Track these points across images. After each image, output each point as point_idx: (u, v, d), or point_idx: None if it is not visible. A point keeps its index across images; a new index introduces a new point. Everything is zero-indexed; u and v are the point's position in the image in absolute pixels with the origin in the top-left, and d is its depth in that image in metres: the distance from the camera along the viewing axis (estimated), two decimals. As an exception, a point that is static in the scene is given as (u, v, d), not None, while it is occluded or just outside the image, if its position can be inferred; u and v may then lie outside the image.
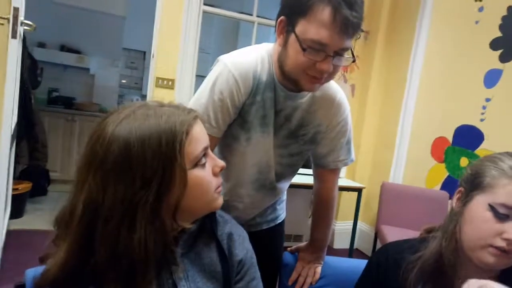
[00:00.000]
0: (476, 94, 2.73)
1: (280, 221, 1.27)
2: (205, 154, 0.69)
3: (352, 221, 2.95)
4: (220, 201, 0.73)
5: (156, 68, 2.82)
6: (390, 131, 3.15)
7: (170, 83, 2.85)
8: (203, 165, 0.68)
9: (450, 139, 2.87)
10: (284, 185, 1.20)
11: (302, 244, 1.20)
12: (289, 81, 0.93)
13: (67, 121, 4.05)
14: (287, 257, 1.18)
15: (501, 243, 0.70)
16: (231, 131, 1.03)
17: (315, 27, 0.81)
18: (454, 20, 2.84)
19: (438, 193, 2.81)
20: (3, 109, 1.85)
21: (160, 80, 2.83)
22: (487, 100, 2.71)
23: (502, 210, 0.71)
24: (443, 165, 2.90)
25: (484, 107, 2.72)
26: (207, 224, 0.78)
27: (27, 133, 2.97)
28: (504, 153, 0.77)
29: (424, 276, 0.79)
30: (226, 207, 1.06)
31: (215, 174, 0.71)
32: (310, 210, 1.21)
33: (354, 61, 0.88)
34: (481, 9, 2.69)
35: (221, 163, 0.73)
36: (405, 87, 3.03)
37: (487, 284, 0.64)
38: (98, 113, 4.18)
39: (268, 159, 1.06)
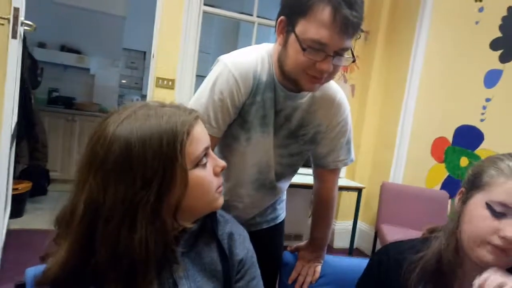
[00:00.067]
0: (476, 94, 2.74)
1: (280, 220, 1.27)
2: (206, 154, 0.69)
3: (352, 221, 2.95)
4: (221, 201, 0.73)
5: (156, 68, 2.82)
6: (390, 131, 3.15)
7: (170, 83, 2.85)
8: (204, 165, 0.68)
9: (450, 139, 2.87)
10: (284, 185, 1.20)
11: (302, 243, 1.20)
12: (289, 81, 0.93)
13: (67, 121, 4.05)
14: (287, 256, 1.18)
15: (498, 241, 0.70)
16: (231, 131, 1.03)
17: (315, 27, 0.82)
18: (454, 20, 2.85)
19: (438, 193, 2.81)
20: (3, 109, 1.85)
21: (160, 80, 2.83)
22: (487, 100, 2.71)
23: (498, 208, 0.72)
24: (443, 165, 2.90)
25: (484, 107, 2.73)
26: (208, 224, 0.78)
27: (27, 133, 2.97)
28: (506, 154, 0.78)
29: (426, 276, 0.79)
30: (226, 207, 1.06)
31: (216, 174, 0.71)
32: (310, 209, 1.22)
33: (354, 61, 0.89)
34: (481, 10, 2.70)
35: (222, 163, 0.73)
36: (405, 87, 3.04)
37: (507, 282, 0.65)
38: (98, 113, 4.18)
39: (268, 159, 1.07)
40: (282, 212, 1.28)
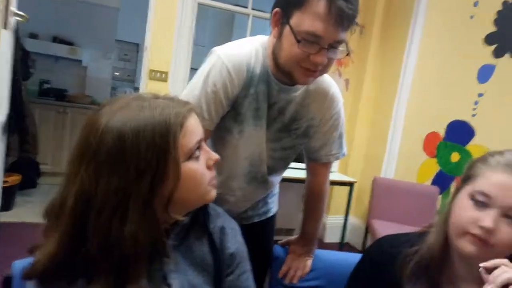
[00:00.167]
0: (469, 90, 2.75)
1: (271, 214, 1.27)
2: (199, 147, 0.69)
3: (344, 215, 2.97)
4: (213, 193, 0.73)
5: (150, 60, 2.79)
6: (383, 126, 3.16)
7: (163, 75, 2.83)
8: (197, 158, 0.68)
9: (442, 134, 2.89)
10: (276, 179, 1.20)
11: (293, 237, 1.20)
12: (283, 73, 0.93)
13: (58, 113, 4.01)
14: (277, 250, 1.19)
15: (477, 231, 0.71)
16: (224, 124, 1.02)
17: (310, 19, 0.81)
18: (449, 14, 2.85)
19: (429, 188, 2.83)
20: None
21: (153, 73, 2.81)
22: (480, 95, 2.72)
23: (480, 198, 0.73)
24: (435, 160, 2.92)
25: (476, 103, 2.74)
26: (200, 217, 0.78)
27: (17, 125, 2.93)
28: (499, 151, 0.78)
29: (419, 270, 0.80)
30: (218, 200, 1.05)
31: (208, 167, 0.71)
32: (302, 204, 1.22)
33: (348, 54, 0.88)
34: (476, 4, 2.70)
35: (215, 156, 0.72)
36: (398, 82, 3.04)
37: None
38: (90, 106, 4.14)
39: (260, 152, 1.06)
40: (273, 206, 1.28)
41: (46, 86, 4.32)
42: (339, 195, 3.25)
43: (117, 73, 5.15)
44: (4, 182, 2.78)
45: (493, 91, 2.67)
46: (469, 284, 0.78)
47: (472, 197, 0.74)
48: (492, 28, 2.64)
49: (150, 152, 0.60)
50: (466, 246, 0.73)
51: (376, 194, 2.83)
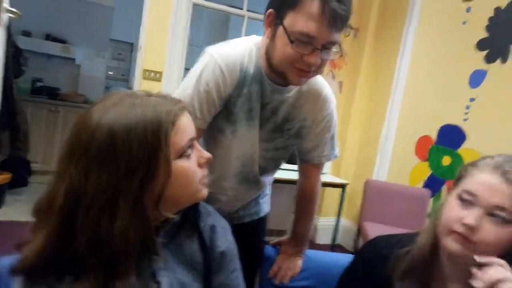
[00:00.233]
0: (461, 94, 2.77)
1: (263, 215, 1.27)
2: (191, 145, 0.69)
3: (335, 217, 2.98)
4: (204, 192, 0.73)
5: (144, 60, 2.78)
6: (375, 129, 3.18)
7: (157, 75, 2.82)
8: (189, 156, 0.68)
9: (434, 138, 2.91)
10: (268, 179, 1.20)
11: (284, 237, 1.20)
12: (277, 74, 0.93)
13: (50, 112, 3.98)
14: (268, 250, 1.19)
15: (460, 228, 0.72)
16: (216, 124, 1.02)
17: (303, 19, 0.82)
18: (442, 20, 2.88)
19: (421, 191, 2.85)
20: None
21: (147, 72, 2.80)
22: (472, 100, 2.75)
23: (466, 197, 0.74)
24: (427, 163, 2.94)
25: (468, 107, 2.77)
26: (190, 216, 0.78)
27: (8, 122, 2.91)
28: (491, 155, 0.79)
29: (411, 271, 0.80)
30: (209, 199, 1.05)
31: (200, 166, 0.71)
32: (294, 205, 1.22)
33: (341, 55, 0.89)
34: (468, 10, 2.73)
35: (207, 154, 0.72)
36: (392, 85, 3.06)
37: (510, 278, 0.65)
38: (83, 104, 4.11)
39: (252, 153, 1.06)
40: (265, 207, 1.28)
41: (38, 84, 4.29)
42: (331, 197, 3.26)
43: (111, 73, 5.13)
44: (-6, 180, 2.75)
45: (485, 96, 2.70)
46: (458, 285, 0.78)
47: (459, 197, 0.75)
48: (484, 34, 2.67)
49: (141, 149, 0.60)
50: (451, 244, 0.74)
51: (368, 196, 2.84)
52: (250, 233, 1.20)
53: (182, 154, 0.66)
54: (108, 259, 0.60)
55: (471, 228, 0.71)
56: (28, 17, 3.05)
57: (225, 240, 0.80)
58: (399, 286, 0.81)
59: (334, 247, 3.06)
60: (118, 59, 5.20)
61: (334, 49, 0.87)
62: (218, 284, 0.77)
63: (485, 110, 2.69)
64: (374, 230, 2.59)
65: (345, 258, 1.10)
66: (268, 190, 1.29)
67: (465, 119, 2.78)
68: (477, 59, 2.70)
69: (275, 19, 0.88)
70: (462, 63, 2.76)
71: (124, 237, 0.59)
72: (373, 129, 3.22)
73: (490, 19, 2.63)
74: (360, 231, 2.85)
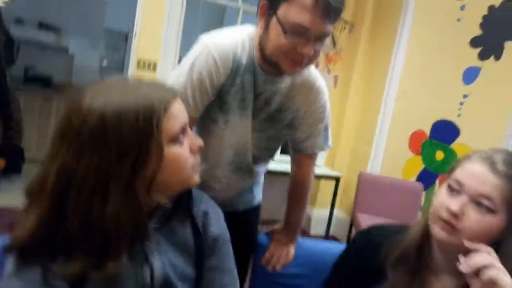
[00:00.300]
0: (454, 90, 2.80)
1: (256, 203, 1.28)
2: (183, 132, 0.69)
3: (329, 209, 2.99)
4: (196, 178, 0.73)
5: (138, 50, 2.77)
6: (370, 123, 3.19)
7: (152, 66, 2.80)
8: (181, 142, 0.68)
9: (428, 132, 2.93)
10: (261, 169, 1.20)
11: (277, 226, 1.21)
12: (270, 64, 0.94)
13: (44, 101, 3.95)
14: (261, 238, 1.20)
15: (445, 215, 0.74)
16: (209, 113, 1.03)
17: (297, 10, 0.82)
18: (436, 16, 2.89)
19: (414, 185, 2.88)
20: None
21: (141, 63, 2.78)
22: (465, 96, 2.77)
23: (454, 185, 0.76)
24: (420, 157, 2.97)
25: (461, 103, 2.79)
26: (183, 201, 0.78)
27: (1, 111, 2.88)
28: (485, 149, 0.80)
29: (402, 260, 0.82)
30: (203, 187, 1.06)
31: (192, 152, 0.71)
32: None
33: (334, 45, 0.89)
34: (463, 8, 2.74)
35: (199, 141, 0.73)
36: (386, 80, 3.07)
37: (494, 264, 0.67)
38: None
39: (245, 142, 1.07)
40: (258, 195, 1.29)
41: (31, 73, 4.24)
42: (325, 188, 3.28)
43: (105, 62, 5.09)
44: (-13, 167, 2.74)
45: (478, 93, 2.73)
46: (448, 274, 0.80)
47: (448, 186, 0.77)
48: (478, 31, 2.69)
49: (133, 134, 0.60)
50: (437, 231, 0.75)
51: (362, 189, 2.87)
52: (243, 221, 1.21)
53: (174, 140, 0.66)
54: (100, 242, 0.61)
55: (455, 215, 0.72)
56: (20, 5, 3.02)
57: (217, 225, 0.81)
58: (391, 275, 0.82)
59: (327, 238, 3.08)
60: (113, 49, 5.16)
61: (327, 40, 0.88)
62: (210, 268, 0.78)
63: (478, 106, 2.72)
64: (367, 222, 2.61)
65: (337, 247, 1.11)
66: (261, 179, 1.29)
67: (459, 115, 2.81)
68: (471, 56, 2.72)
69: (269, 10, 0.88)
70: (456, 60, 2.78)
71: (115, 221, 0.60)
72: (367, 123, 3.24)
73: (484, 17, 2.65)
74: (353, 223, 2.88)
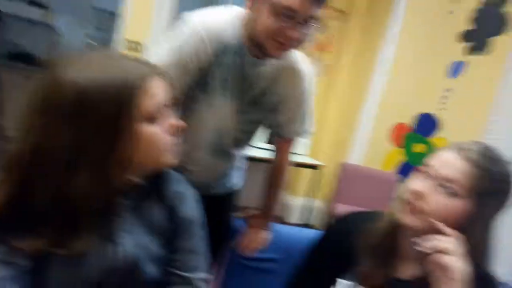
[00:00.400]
0: (439, 84, 2.83)
1: (235, 188, 1.29)
2: (161, 112, 0.68)
3: (309, 198, 3.02)
4: (171, 160, 0.73)
5: (126, 30, 2.72)
6: (354, 113, 3.21)
7: (139, 46, 2.76)
8: (158, 122, 0.68)
9: (410, 125, 2.97)
10: (240, 152, 1.21)
11: (253, 210, 1.23)
12: (256, 46, 0.94)
13: (27, 79, 3.85)
14: (237, 223, 1.21)
15: (409, 196, 0.76)
16: (192, 93, 1.02)
17: None
18: (428, 8, 2.89)
19: (393, 176, 2.92)
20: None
21: (129, 43, 2.73)
22: (448, 90, 2.81)
23: (423, 169, 0.79)
24: (401, 150, 3.01)
25: (445, 97, 2.83)
26: (158, 182, 0.78)
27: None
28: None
29: (375, 247, 0.83)
30: (181, 169, 1.07)
31: (170, 133, 0.71)
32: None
33: (322, 30, 0.90)
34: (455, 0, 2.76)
35: (179, 122, 0.72)
36: (374, 71, 3.08)
37: (451, 249, 0.68)
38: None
39: (227, 125, 1.07)
40: (238, 180, 1.30)
41: (15, 50, 4.13)
42: (305, 177, 3.31)
43: (92, 42, 4.98)
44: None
45: (462, 87, 2.76)
46: (416, 263, 0.81)
47: (417, 170, 0.80)
48: (467, 26, 2.71)
49: (107, 110, 0.60)
50: (401, 215, 0.78)
51: (342, 179, 2.91)
52: (221, 205, 1.22)
53: (150, 119, 0.66)
54: (68, 216, 0.61)
55: (417, 196, 0.74)
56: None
57: (190, 207, 0.81)
58: (363, 262, 0.83)
59: (305, 226, 3.13)
60: (100, 29, 5.04)
61: (315, 24, 0.89)
62: (181, 249, 0.78)
63: (461, 101, 2.76)
64: (345, 211, 2.65)
65: (313, 233, 1.13)
66: (242, 164, 1.30)
67: (441, 109, 2.85)
68: (459, 49, 2.74)
69: None
70: (442, 54, 2.80)
71: (84, 197, 0.60)
72: (351, 113, 3.25)
73: (476, 10, 2.67)
74: (331, 213, 2.92)
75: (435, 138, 2.86)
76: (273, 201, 1.21)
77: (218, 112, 1.04)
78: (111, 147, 0.61)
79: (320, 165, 2.99)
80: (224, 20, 0.97)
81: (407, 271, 0.82)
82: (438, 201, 0.73)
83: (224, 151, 1.13)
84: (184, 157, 1.09)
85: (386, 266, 0.82)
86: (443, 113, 2.83)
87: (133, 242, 0.72)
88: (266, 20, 0.86)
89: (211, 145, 1.10)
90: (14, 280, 0.61)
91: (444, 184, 0.74)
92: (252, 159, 2.36)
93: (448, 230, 0.71)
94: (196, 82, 1.00)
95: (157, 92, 0.67)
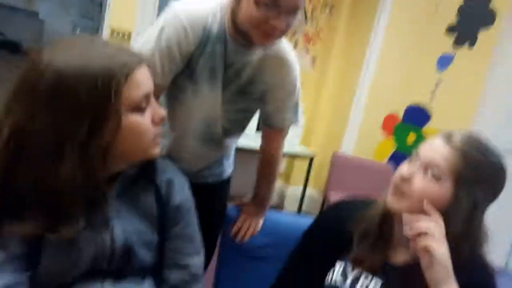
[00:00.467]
0: (428, 76, 2.86)
1: (226, 176, 1.27)
2: (146, 101, 0.67)
3: (303, 186, 3.04)
4: (156, 150, 0.72)
5: (112, 19, 2.67)
6: (345, 104, 3.21)
7: (126, 35, 2.71)
8: (142, 112, 0.66)
9: (401, 116, 2.99)
10: (231, 142, 1.20)
11: (246, 198, 1.22)
12: (241, 34, 0.92)
13: (12, 68, 3.76)
14: (230, 210, 1.21)
15: (397, 180, 0.78)
16: (178, 82, 1.01)
17: None
18: (415, 2, 2.89)
19: (385, 166, 2.95)
20: None
21: (115, 33, 2.69)
22: (438, 82, 2.84)
23: (412, 156, 0.81)
24: (392, 140, 3.04)
25: (434, 89, 2.86)
26: (148, 170, 0.77)
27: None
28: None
29: (366, 234, 0.84)
30: (172, 157, 1.05)
31: (154, 123, 0.69)
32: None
33: (306, 20, 0.89)
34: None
35: (162, 112, 0.71)
36: (363, 62, 3.08)
37: (431, 233, 0.69)
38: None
39: (215, 114, 1.05)
40: (229, 168, 1.28)
41: (-1, 38, 4.03)
42: (300, 166, 3.32)
43: (78, 31, 4.88)
44: None
45: (451, 79, 2.79)
46: (404, 248, 0.82)
47: (409, 158, 0.81)
48: (455, 18, 2.73)
49: (89, 97, 0.58)
50: (388, 199, 0.79)
51: (335, 168, 2.93)
52: (213, 193, 1.21)
53: (134, 109, 0.64)
54: (52, 204, 0.59)
55: (404, 179, 0.76)
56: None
57: (181, 194, 0.80)
58: (355, 248, 0.84)
59: (300, 214, 3.14)
60: (87, 17, 4.94)
61: (299, 14, 0.88)
62: (173, 235, 0.78)
63: (450, 92, 2.79)
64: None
65: (305, 220, 1.12)
66: (232, 152, 1.28)
67: (431, 100, 2.88)
68: (446, 43, 2.77)
69: None
70: (431, 46, 2.83)
71: (69, 183, 0.58)
72: (342, 104, 3.26)
73: (461, 5, 2.70)
74: (325, 201, 2.94)
75: (426, 128, 2.89)
76: (266, 189, 1.20)
77: (205, 101, 1.02)
78: (93, 135, 0.59)
79: (313, 155, 2.99)
80: (208, 8, 0.96)
81: (400, 257, 0.83)
82: (421, 184, 0.75)
83: (214, 140, 1.11)
84: (174, 145, 1.08)
85: (379, 252, 0.83)
86: (433, 105, 2.86)
87: (126, 228, 0.71)
88: (250, 10, 0.85)
89: (200, 134, 1.08)
90: (7, 265, 0.61)
91: (428, 168, 0.75)
92: (246, 149, 2.34)
93: (432, 211, 0.73)
94: (182, 70, 0.99)
95: (142, 81, 0.66)
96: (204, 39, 0.95)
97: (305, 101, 3.22)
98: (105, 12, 2.77)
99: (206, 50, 0.96)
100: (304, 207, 3.13)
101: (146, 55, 0.90)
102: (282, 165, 3.35)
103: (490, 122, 2.71)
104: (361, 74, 3.11)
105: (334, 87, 3.35)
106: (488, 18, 2.66)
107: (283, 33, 0.90)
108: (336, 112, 3.35)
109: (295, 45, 3.16)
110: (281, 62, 1.04)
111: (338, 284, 0.84)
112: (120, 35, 2.70)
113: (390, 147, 3.05)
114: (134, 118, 0.64)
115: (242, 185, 1.59)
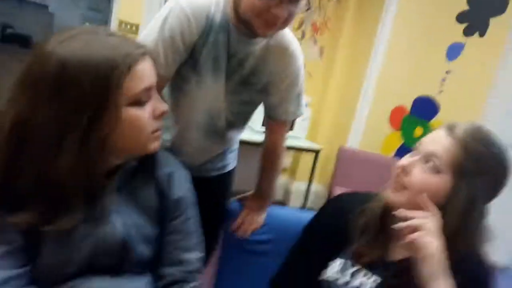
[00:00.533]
0: (437, 66, 2.80)
1: (229, 169, 1.28)
2: (147, 94, 0.67)
3: (308, 181, 3.03)
4: (155, 145, 0.72)
5: (120, 11, 2.67)
6: (352, 96, 3.18)
7: (134, 28, 2.72)
8: (143, 105, 0.66)
9: (409, 108, 2.95)
10: (234, 135, 1.20)
11: (248, 193, 1.22)
12: (243, 24, 0.92)
13: (21, 62, 3.80)
14: (233, 205, 1.21)
15: (396, 172, 0.78)
16: (182, 73, 1.01)
17: None
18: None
19: (392, 160, 2.92)
20: None
21: (123, 24, 2.69)
22: (447, 72, 2.78)
23: (415, 148, 0.81)
24: (399, 133, 3.00)
25: (443, 80, 2.80)
26: (148, 163, 0.77)
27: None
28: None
29: (367, 227, 0.84)
30: (174, 151, 1.06)
31: (155, 117, 0.70)
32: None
33: (308, 9, 0.88)
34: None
35: (164, 107, 0.71)
36: (371, 53, 3.04)
37: (423, 228, 0.69)
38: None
39: (219, 105, 1.06)
40: (232, 162, 1.29)
41: (8, 31, 4.06)
42: (305, 161, 3.30)
43: (87, 24, 4.90)
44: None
45: (460, 69, 2.74)
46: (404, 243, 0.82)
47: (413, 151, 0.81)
48: (465, 6, 2.66)
49: (91, 87, 0.59)
50: (388, 192, 0.79)
51: (341, 162, 2.90)
52: (216, 187, 1.22)
53: (135, 102, 0.65)
54: (53, 196, 0.60)
55: (403, 171, 0.76)
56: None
57: (182, 187, 0.80)
58: (356, 242, 0.84)
59: (305, 210, 3.13)
60: (95, 10, 4.96)
61: (301, 3, 0.87)
62: (173, 229, 0.78)
63: (460, 83, 2.74)
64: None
65: (307, 215, 1.12)
66: (235, 145, 1.29)
67: (440, 91, 2.83)
68: (456, 32, 2.71)
69: None
70: (441, 35, 2.77)
71: (69, 175, 0.59)
72: (350, 96, 3.23)
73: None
74: (330, 196, 2.92)
75: (434, 121, 2.85)
76: (268, 184, 1.20)
77: (208, 92, 1.02)
78: (93, 126, 0.60)
79: (319, 149, 2.98)
80: None
81: (399, 252, 0.82)
82: (418, 175, 0.75)
83: (217, 132, 1.11)
84: (177, 138, 1.09)
85: (379, 246, 0.83)
86: (442, 96, 2.82)
87: (124, 222, 0.71)
88: None
89: (203, 126, 1.08)
90: (8, 258, 0.62)
91: (428, 159, 0.75)
92: (250, 143, 2.35)
93: (430, 204, 0.72)
94: (186, 61, 0.99)
95: (144, 74, 0.66)
96: (207, 29, 0.95)
97: (313, 91, 3.20)
98: (113, 4, 2.77)
99: (209, 40, 0.96)
100: (309, 203, 3.13)
101: (150, 45, 0.90)
102: (286, 160, 3.34)
103: (498, 114, 2.66)
104: (368, 64, 3.06)
105: (342, 77, 3.30)
106: (499, 5, 2.59)
107: (285, 22, 0.90)
108: (343, 103, 3.32)
109: (303, 36, 3.14)
110: (284, 52, 1.04)
111: (337, 279, 0.84)
112: (128, 27, 2.70)
113: (397, 140, 3.02)
114: (134, 112, 0.65)
115: (245, 179, 1.59)
